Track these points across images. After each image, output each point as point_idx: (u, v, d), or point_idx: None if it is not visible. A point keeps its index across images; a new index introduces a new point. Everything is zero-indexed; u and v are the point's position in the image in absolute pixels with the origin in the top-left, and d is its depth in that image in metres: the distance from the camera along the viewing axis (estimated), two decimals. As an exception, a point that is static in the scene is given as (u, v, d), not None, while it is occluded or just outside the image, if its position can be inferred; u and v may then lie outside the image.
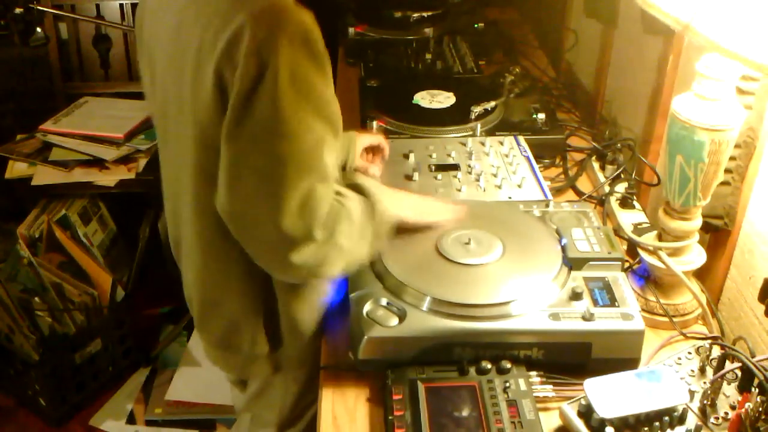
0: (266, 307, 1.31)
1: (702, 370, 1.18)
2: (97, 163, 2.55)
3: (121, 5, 2.98)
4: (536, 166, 1.64)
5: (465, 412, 1.08)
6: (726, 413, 1.10)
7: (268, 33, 1.01)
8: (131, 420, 2.48)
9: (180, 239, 1.37)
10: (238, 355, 1.36)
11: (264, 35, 1.01)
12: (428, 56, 2.29)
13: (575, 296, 1.21)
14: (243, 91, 1.02)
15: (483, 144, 1.71)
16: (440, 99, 1.93)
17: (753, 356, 1.15)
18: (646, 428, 1.05)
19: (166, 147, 1.33)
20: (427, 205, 1.37)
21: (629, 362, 1.18)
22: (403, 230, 1.30)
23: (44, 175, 2.51)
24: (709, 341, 1.22)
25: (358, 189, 1.24)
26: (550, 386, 1.15)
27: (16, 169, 2.57)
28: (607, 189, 1.65)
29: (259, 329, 1.32)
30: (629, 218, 1.53)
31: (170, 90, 1.21)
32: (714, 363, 1.17)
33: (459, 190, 1.54)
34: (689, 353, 1.22)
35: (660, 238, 1.32)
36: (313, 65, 1.05)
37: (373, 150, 1.62)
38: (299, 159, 1.06)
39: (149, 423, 2.46)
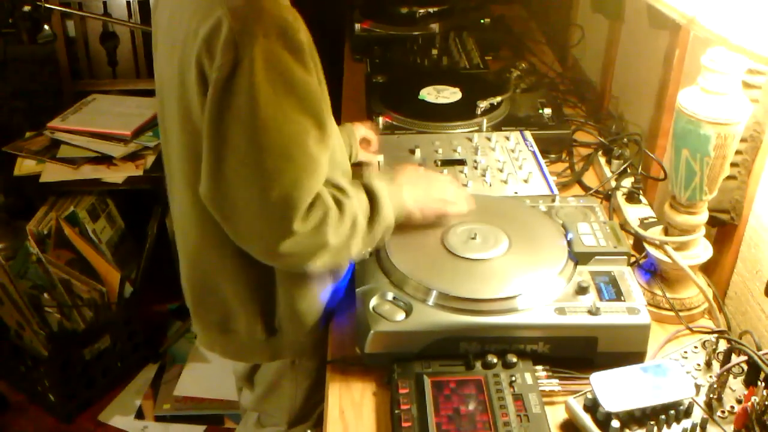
0: (264, 292, 1.31)
1: (708, 364, 1.18)
2: (105, 160, 2.55)
3: (128, 2, 2.98)
4: (542, 161, 1.64)
5: (471, 406, 1.09)
6: (732, 407, 1.10)
7: (244, 26, 1.04)
8: (140, 415, 2.49)
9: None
10: (236, 339, 1.36)
11: (240, 28, 1.04)
12: (434, 52, 2.29)
13: (581, 290, 1.21)
14: (220, 82, 1.06)
15: (489, 139, 1.71)
16: (446, 94, 1.93)
17: (759, 350, 1.15)
18: (652, 422, 1.05)
19: (164, 134, 1.34)
20: (437, 198, 1.35)
21: (635, 356, 1.18)
22: (411, 226, 1.31)
23: (52, 173, 2.52)
24: (716, 335, 1.22)
25: (365, 188, 1.24)
26: (556, 380, 1.16)
27: (25, 166, 2.58)
28: (613, 184, 1.65)
29: (256, 314, 1.32)
30: (636, 213, 1.53)
31: (165, 77, 1.24)
32: (720, 357, 1.17)
33: (465, 185, 1.54)
34: (695, 347, 1.22)
35: (666, 232, 1.32)
36: (292, 57, 1.07)
37: (365, 141, 1.65)
38: (279, 148, 1.08)
39: (158, 418, 2.48)
